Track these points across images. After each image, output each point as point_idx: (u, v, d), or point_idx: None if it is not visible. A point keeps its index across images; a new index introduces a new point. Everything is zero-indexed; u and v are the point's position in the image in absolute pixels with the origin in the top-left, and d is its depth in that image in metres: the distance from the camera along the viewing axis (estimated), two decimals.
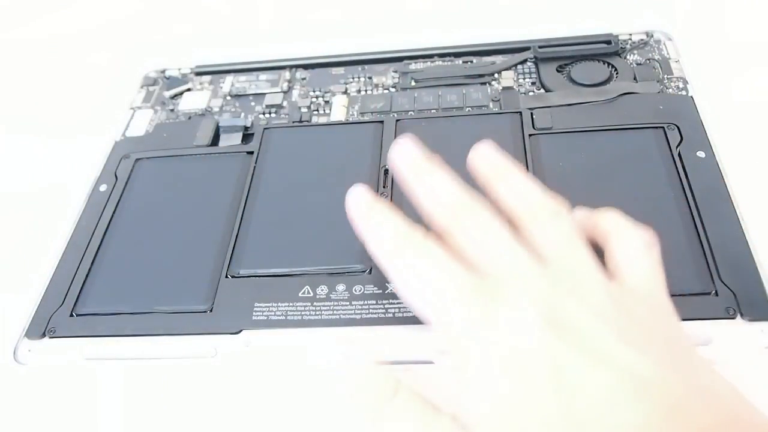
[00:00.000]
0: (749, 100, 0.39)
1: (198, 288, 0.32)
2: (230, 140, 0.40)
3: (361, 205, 0.27)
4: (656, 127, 0.36)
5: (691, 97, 0.38)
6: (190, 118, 0.42)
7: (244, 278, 0.33)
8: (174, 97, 0.44)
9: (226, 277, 0.33)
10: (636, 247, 0.26)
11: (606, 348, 0.22)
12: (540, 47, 0.43)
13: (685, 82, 0.39)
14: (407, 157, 0.28)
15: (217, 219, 0.35)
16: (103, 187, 0.38)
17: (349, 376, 0.25)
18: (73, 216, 0.37)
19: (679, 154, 0.35)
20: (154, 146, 0.40)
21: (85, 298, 0.33)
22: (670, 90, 0.39)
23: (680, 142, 0.35)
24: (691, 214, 0.32)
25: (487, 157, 0.28)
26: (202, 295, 0.32)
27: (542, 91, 0.40)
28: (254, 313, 0.31)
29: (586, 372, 0.21)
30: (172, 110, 0.43)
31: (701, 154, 0.35)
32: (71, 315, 0.33)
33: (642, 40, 0.43)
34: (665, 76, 0.40)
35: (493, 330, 0.22)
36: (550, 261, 0.24)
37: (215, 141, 0.40)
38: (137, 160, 0.40)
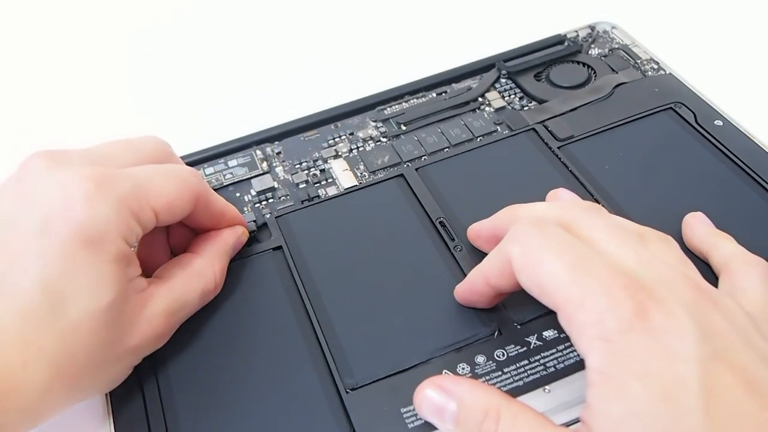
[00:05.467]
0: (720, 60, 0.42)
1: (320, 414, 0.27)
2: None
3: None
4: (666, 109, 0.37)
5: (670, 74, 0.40)
6: None
7: (366, 386, 0.28)
8: None
9: (346, 392, 0.28)
10: (757, 276, 0.27)
11: (761, 378, 0.21)
12: (504, 61, 0.42)
13: (656, 62, 0.41)
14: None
15: (286, 331, 0.30)
16: None
17: (446, 415, 0.24)
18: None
19: (702, 127, 0.36)
20: None
21: None
22: (649, 72, 0.40)
23: (695, 116, 0.37)
24: (755, 180, 0.33)
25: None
26: (333, 421, 0.27)
27: (535, 103, 0.40)
28: (407, 420, 0.27)
29: (741, 401, 0.20)
30: None
31: (719, 122, 0.36)
32: None
33: (589, 33, 0.44)
34: (635, 61, 0.41)
35: (647, 333, 0.21)
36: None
37: None
38: None
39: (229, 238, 0.32)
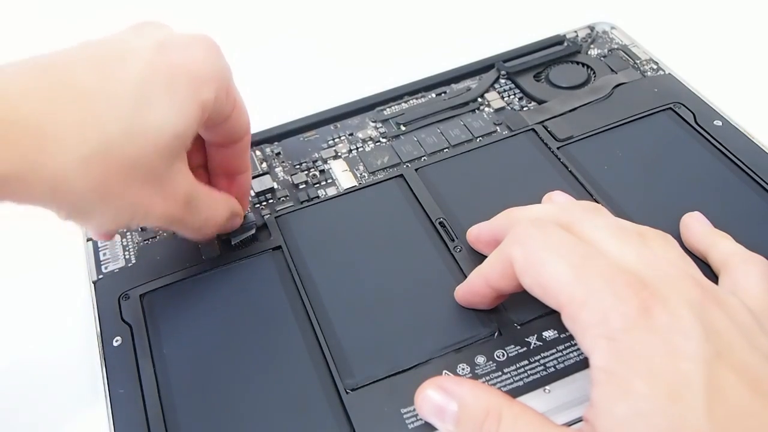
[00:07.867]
0: (719, 60, 0.42)
1: (320, 414, 0.27)
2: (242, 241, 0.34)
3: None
4: (665, 109, 0.37)
5: (670, 74, 0.40)
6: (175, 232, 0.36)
7: (366, 387, 0.28)
8: None
9: (346, 392, 0.28)
10: (757, 273, 0.27)
11: (764, 377, 0.21)
12: (504, 62, 0.42)
13: (656, 62, 0.41)
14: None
15: (286, 332, 0.30)
16: (117, 341, 0.31)
17: (447, 415, 0.24)
18: (99, 389, 0.30)
19: (702, 127, 0.36)
20: (151, 274, 0.34)
21: None
22: (648, 73, 0.40)
23: (694, 116, 0.37)
24: (755, 180, 0.33)
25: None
26: (333, 421, 0.27)
27: (535, 103, 0.40)
28: (408, 421, 0.27)
29: (744, 400, 0.20)
30: (144, 229, 0.36)
31: (718, 122, 0.36)
32: None
33: (589, 34, 0.44)
34: (635, 62, 0.41)
35: (652, 331, 0.21)
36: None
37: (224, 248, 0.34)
38: (143, 295, 0.33)
39: (234, 206, 0.32)
